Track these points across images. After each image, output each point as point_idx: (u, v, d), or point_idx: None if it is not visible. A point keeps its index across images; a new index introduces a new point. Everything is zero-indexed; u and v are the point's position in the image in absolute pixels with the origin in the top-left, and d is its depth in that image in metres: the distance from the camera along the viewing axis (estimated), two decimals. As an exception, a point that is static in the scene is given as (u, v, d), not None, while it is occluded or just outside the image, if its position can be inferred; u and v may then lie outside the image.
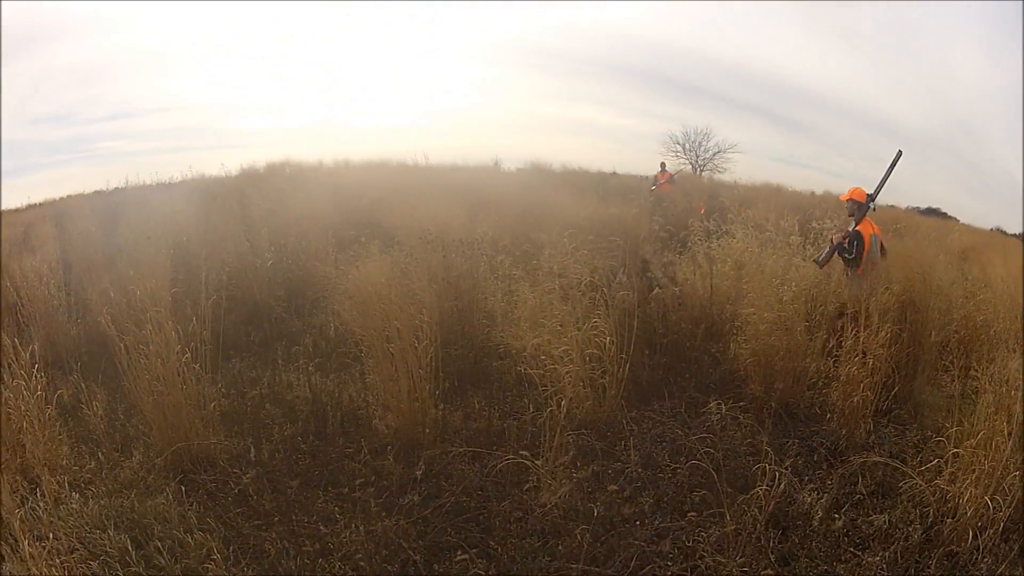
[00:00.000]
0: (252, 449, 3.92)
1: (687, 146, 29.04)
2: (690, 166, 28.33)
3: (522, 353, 3.91)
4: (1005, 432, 3.09)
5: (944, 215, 24.00)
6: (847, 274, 5.03)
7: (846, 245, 4.93)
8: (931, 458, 3.51)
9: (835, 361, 4.13)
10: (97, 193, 12.83)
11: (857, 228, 4.97)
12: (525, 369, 3.80)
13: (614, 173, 12.46)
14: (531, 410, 3.76)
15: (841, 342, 4.11)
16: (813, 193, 15.58)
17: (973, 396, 3.67)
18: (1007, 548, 3.06)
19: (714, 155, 28.83)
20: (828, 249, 5.03)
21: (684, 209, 10.25)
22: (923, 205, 25.44)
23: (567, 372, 3.72)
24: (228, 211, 7.36)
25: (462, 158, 18.06)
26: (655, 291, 4.35)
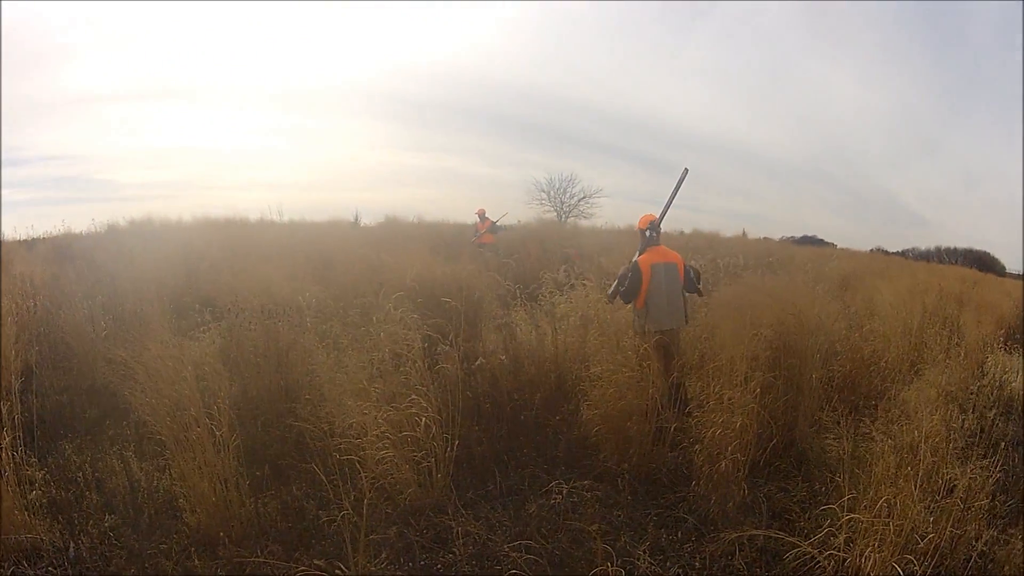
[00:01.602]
0: (72, 545, 3.51)
1: (551, 193, 28.84)
2: (555, 214, 28.05)
3: (341, 432, 3.43)
4: (912, 493, 2.80)
5: (821, 241, 24.72)
6: (634, 310, 4.55)
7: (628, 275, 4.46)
8: (823, 521, 3.15)
9: (695, 421, 3.71)
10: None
11: (637, 259, 4.50)
12: (339, 456, 3.31)
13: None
14: (351, 499, 3.23)
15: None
16: (682, 232, 15.71)
17: (867, 456, 3.36)
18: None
19: (579, 201, 28.70)
20: (616, 283, 4.55)
21: (537, 260, 9.92)
22: (798, 234, 26.06)
23: (380, 457, 3.22)
24: (78, 274, 6.76)
25: (323, 212, 18.19)
26: (478, 361, 3.85)
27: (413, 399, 3.31)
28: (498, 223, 12.44)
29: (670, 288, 4.48)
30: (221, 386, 3.49)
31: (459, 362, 3.60)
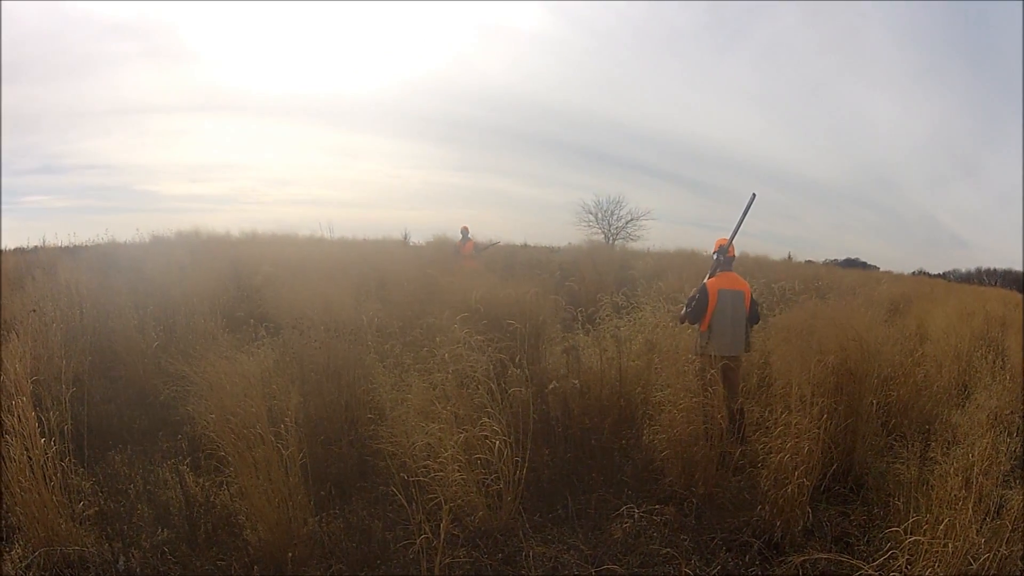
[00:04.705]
0: (122, 558, 3.44)
1: (599, 215, 28.44)
2: (603, 236, 27.63)
3: (409, 452, 3.42)
4: (968, 514, 2.80)
5: (864, 264, 24.42)
6: (697, 332, 4.56)
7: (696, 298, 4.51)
8: (883, 544, 3.16)
9: (759, 446, 3.69)
10: (17, 251, 12.67)
11: (706, 282, 4.53)
12: (407, 476, 3.30)
13: (525, 245, 11.77)
14: (418, 519, 3.23)
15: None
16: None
17: (930, 478, 3.33)
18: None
19: (627, 223, 28.27)
20: (685, 306, 4.59)
21: (593, 283, 9.84)
22: (840, 257, 25.70)
23: (454, 480, 3.22)
24: (126, 282, 6.81)
25: (369, 230, 17.92)
26: (552, 385, 3.86)
27: (485, 422, 3.31)
28: (483, 246, 11.57)
29: (735, 316, 4.50)
30: (289, 405, 3.47)
31: (529, 385, 3.59)
